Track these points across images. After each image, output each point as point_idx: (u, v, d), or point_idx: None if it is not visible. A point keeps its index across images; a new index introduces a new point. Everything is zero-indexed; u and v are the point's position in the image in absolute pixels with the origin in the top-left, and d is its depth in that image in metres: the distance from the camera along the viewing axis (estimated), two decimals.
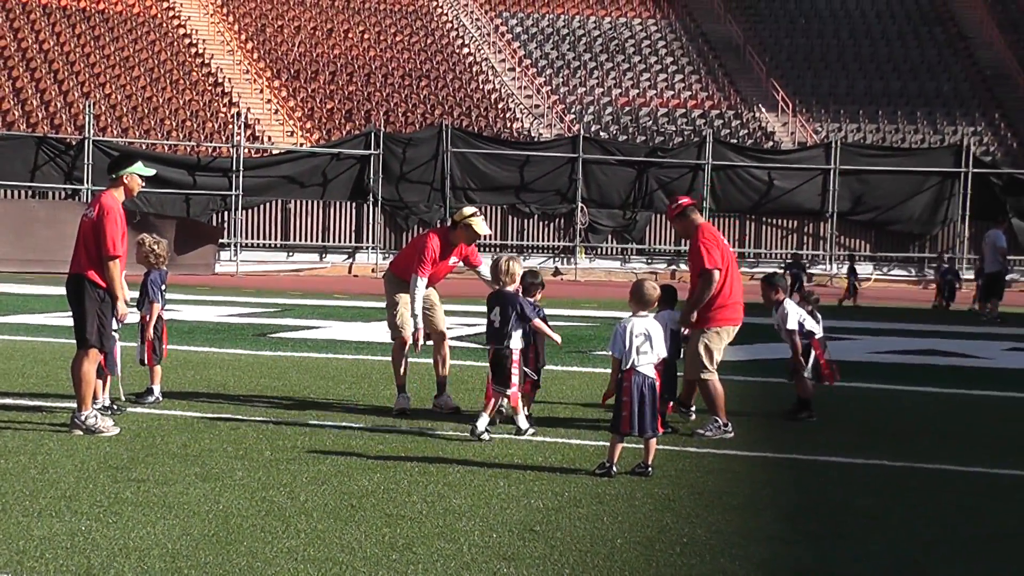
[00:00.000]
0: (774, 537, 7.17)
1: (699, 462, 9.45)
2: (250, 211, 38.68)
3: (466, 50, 53.33)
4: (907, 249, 43.02)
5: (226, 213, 38.08)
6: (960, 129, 50.84)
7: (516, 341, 10.25)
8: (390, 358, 15.38)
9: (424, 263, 11.36)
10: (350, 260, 39.71)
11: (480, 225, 11.53)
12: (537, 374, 10.97)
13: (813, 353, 11.96)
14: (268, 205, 39.11)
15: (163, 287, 11.76)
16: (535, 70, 52.97)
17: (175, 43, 48.93)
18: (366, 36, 52.50)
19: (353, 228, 39.66)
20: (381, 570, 6.32)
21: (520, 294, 10.52)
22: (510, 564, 6.48)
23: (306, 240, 39.34)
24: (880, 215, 42.67)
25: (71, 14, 48.19)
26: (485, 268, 11.90)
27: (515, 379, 10.22)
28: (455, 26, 55.03)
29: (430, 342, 11.55)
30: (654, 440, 8.86)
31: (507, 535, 7.06)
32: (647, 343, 8.71)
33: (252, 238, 38.78)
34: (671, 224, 11.47)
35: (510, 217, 40.94)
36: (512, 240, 40.90)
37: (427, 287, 11.53)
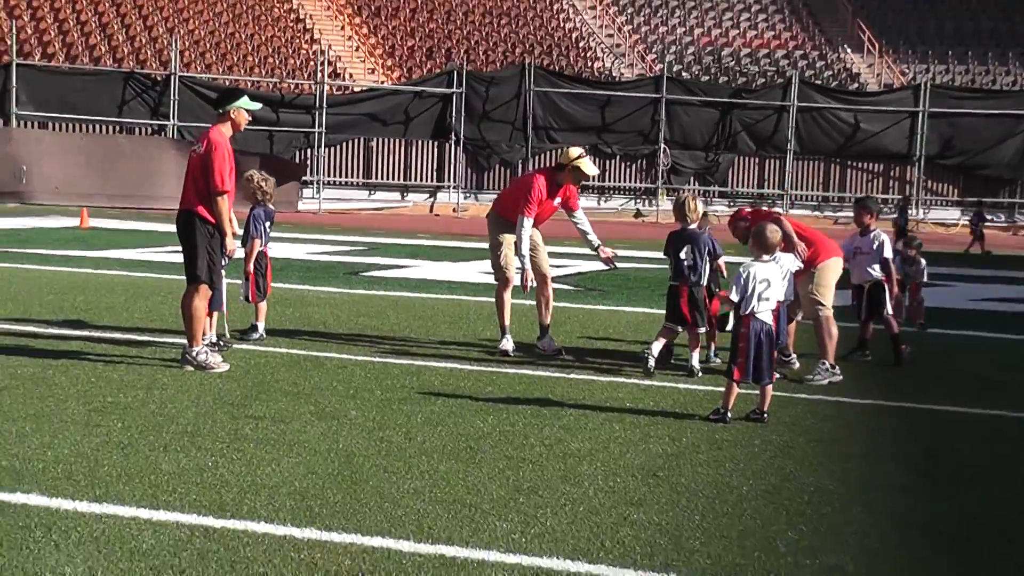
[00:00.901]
0: (901, 487, 7.06)
1: (812, 409, 9.34)
2: (332, 148, 38.76)
3: None
4: (997, 194, 42.25)
5: (308, 150, 38.17)
6: None
7: (704, 279, 10.46)
8: (484, 298, 15.53)
9: (531, 203, 11.28)
10: (431, 199, 39.72)
11: (588, 166, 11.44)
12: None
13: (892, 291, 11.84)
14: (350, 143, 39.16)
15: (267, 224, 11.77)
16: (616, 8, 52.42)
17: None
18: None
19: (434, 167, 39.62)
20: (510, 512, 6.29)
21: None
22: (638, 509, 6.43)
23: (388, 179, 39.37)
24: (969, 159, 41.91)
25: None
26: (581, 214, 11.81)
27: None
28: None
29: (534, 284, 11.47)
30: (770, 387, 8.75)
31: (630, 480, 7.01)
32: (768, 289, 8.58)
33: (334, 176, 38.88)
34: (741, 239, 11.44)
35: (592, 158, 40.65)
36: (594, 181, 40.61)
37: (532, 227, 11.45)
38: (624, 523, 6.18)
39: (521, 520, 6.18)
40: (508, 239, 11.54)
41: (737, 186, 41.73)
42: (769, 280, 8.61)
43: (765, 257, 8.75)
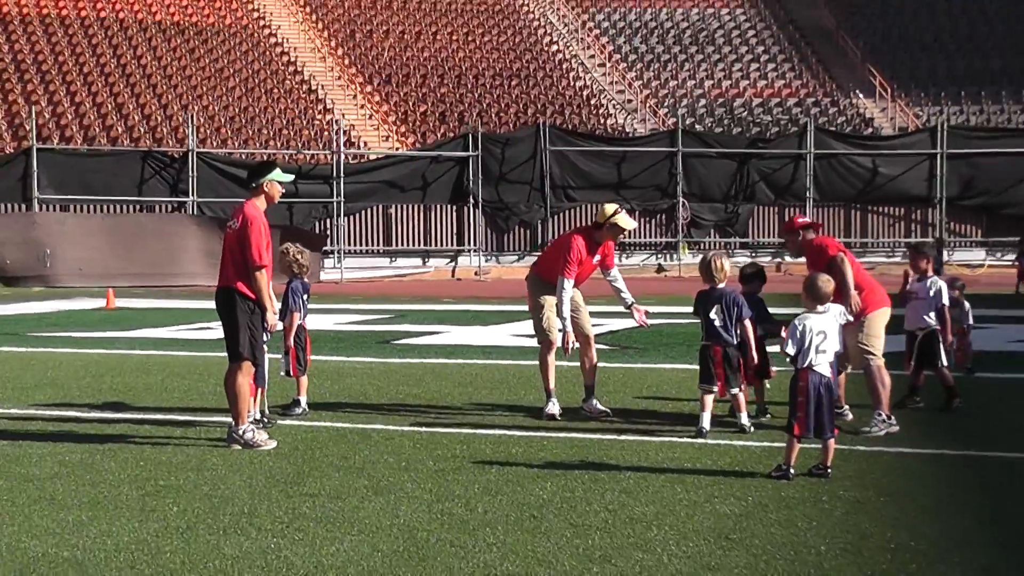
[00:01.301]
0: (982, 542, 6.86)
1: (874, 461, 9.15)
2: (352, 217, 38.78)
3: (555, 47, 53.15)
4: (1021, 233, 42.02)
5: (328, 220, 38.21)
6: None
7: (736, 339, 10.25)
8: (521, 361, 15.40)
9: (570, 264, 11.17)
10: (452, 263, 39.67)
11: (626, 220, 11.33)
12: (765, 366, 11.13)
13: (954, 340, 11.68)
14: (369, 211, 39.19)
15: (305, 296, 11.68)
16: (625, 65, 52.63)
17: (267, 52, 49.31)
18: (454, 38, 52.52)
19: (454, 231, 39.61)
20: None
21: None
22: (716, 574, 6.25)
23: (408, 245, 39.35)
24: (991, 199, 41.73)
25: (166, 28, 48.78)
26: (616, 272, 11.69)
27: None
28: (542, 24, 54.86)
29: (577, 345, 11.33)
30: (832, 440, 8.57)
31: (703, 543, 6.83)
32: (825, 341, 8.43)
33: (354, 244, 38.88)
34: (786, 242, 11.30)
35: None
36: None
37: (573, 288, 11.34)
38: None
39: None
40: (549, 301, 11.42)
41: (758, 236, 41.61)
42: (826, 332, 8.46)
43: (819, 308, 8.60)
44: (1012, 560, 6.51)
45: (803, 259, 11.02)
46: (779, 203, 41.50)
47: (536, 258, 12.61)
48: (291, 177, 10.88)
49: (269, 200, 10.20)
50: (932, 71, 52.74)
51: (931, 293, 11.57)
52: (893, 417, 10.36)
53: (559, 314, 11.25)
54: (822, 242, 10.72)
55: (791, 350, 8.43)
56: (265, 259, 9.89)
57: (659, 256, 40.68)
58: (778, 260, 41.27)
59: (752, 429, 10.28)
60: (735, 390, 10.32)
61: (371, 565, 6.47)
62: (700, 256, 11.37)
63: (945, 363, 11.51)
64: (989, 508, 7.72)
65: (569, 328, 11.15)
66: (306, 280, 11.73)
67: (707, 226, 41.02)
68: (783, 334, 8.62)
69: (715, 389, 10.27)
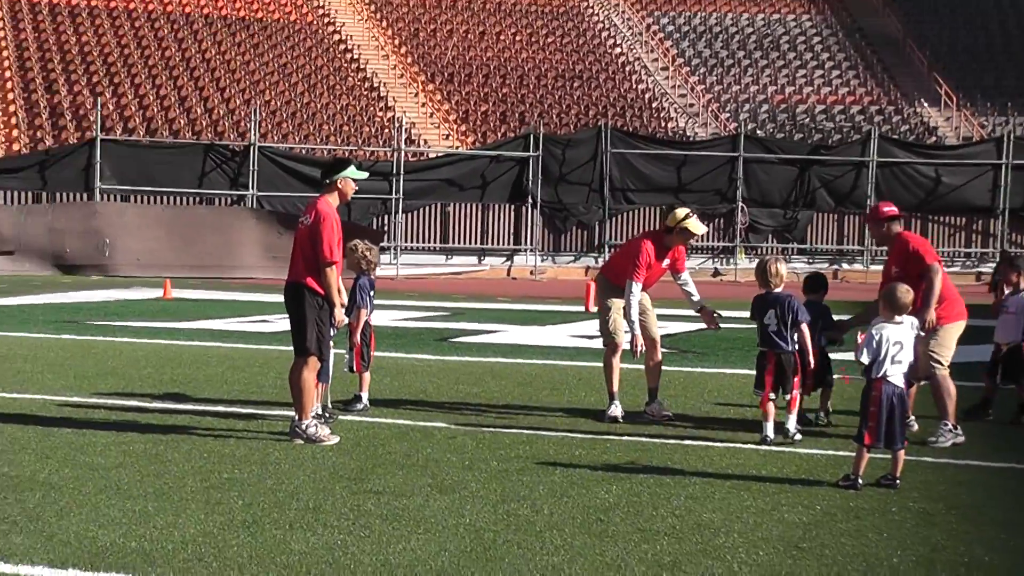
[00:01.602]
0: None
1: (942, 473, 9.02)
2: (410, 214, 38.87)
3: (618, 50, 53.02)
4: None
5: (386, 216, 38.31)
6: None
7: (793, 344, 10.09)
8: (580, 363, 15.35)
9: (639, 268, 11.13)
10: (508, 262, 39.66)
11: (696, 225, 11.24)
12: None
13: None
14: (427, 208, 39.26)
15: (372, 293, 11.68)
16: (688, 69, 52.41)
17: (331, 49, 49.53)
18: (518, 38, 52.51)
19: (511, 230, 39.59)
20: None
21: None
22: None
23: (464, 243, 39.38)
24: None
25: (231, 23, 49.13)
26: (687, 275, 11.64)
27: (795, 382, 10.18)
28: (606, 26, 54.74)
29: (644, 348, 11.27)
30: (902, 451, 8.46)
31: (772, 553, 6.75)
32: (901, 352, 8.32)
33: (411, 241, 38.97)
34: (869, 228, 11.12)
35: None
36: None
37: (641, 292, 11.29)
38: None
39: None
40: (617, 303, 11.37)
41: (816, 243, 41.30)
42: (902, 343, 8.34)
43: (897, 318, 8.48)
44: None
45: (884, 247, 10.93)
46: (839, 210, 41.17)
47: (605, 261, 12.54)
48: (366, 175, 10.91)
49: (343, 197, 10.22)
50: (998, 81, 52.12)
51: (1007, 309, 11.44)
52: (959, 428, 10.23)
53: (627, 317, 11.19)
54: (919, 247, 10.49)
55: (865, 359, 8.31)
56: (336, 255, 9.91)
57: (716, 260, 40.46)
58: (836, 268, 40.98)
59: (799, 437, 10.11)
60: (788, 396, 10.14)
61: (439, 565, 6.44)
62: (756, 261, 11.19)
63: None
64: None
65: (638, 331, 11.10)
66: (372, 277, 11.74)
67: (765, 231, 40.76)
68: (859, 339, 8.48)
69: (773, 396, 10.11)
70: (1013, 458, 9.69)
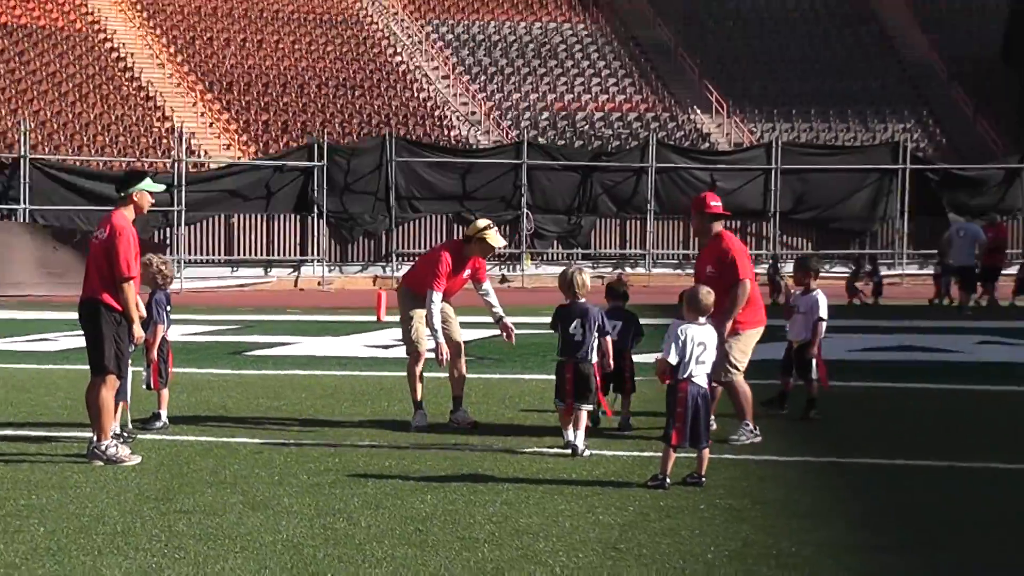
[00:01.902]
0: (864, 546, 7.03)
1: (745, 470, 9.31)
2: (193, 226, 38.02)
3: (398, 59, 53.00)
4: (848, 246, 43.36)
5: (168, 229, 37.38)
6: (890, 127, 51.53)
7: (595, 355, 10.06)
8: (380, 372, 15.31)
9: (439, 277, 11.16)
10: (295, 274, 39.17)
11: (495, 238, 11.33)
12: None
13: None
14: (211, 220, 38.46)
15: (168, 308, 11.41)
16: (468, 77, 52.77)
17: (102, 57, 48.07)
18: (297, 47, 51.96)
19: (298, 241, 39.13)
20: None
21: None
22: None
23: (250, 254, 38.74)
24: (821, 213, 42.96)
25: None
26: (488, 286, 11.70)
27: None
28: (386, 35, 54.65)
29: (448, 356, 11.30)
30: (707, 450, 8.70)
31: (592, 555, 6.86)
32: (705, 352, 8.55)
33: (195, 254, 38.14)
34: (692, 218, 11.25)
35: (455, 225, 40.61)
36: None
37: (442, 301, 11.31)
38: None
39: None
40: (419, 313, 11.38)
41: (600, 248, 42.10)
42: (705, 343, 8.58)
43: (700, 320, 8.70)
44: (889, 563, 6.68)
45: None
46: (621, 215, 42.05)
47: (407, 271, 12.48)
48: (162, 187, 10.66)
49: (138, 210, 9.96)
50: (765, 90, 54.08)
51: (811, 306, 11.87)
52: (757, 428, 10.56)
53: (429, 326, 11.20)
54: (737, 259, 10.56)
55: (674, 359, 8.49)
56: (134, 270, 9.66)
57: (503, 267, 40.82)
58: (619, 271, 41.80)
59: (586, 453, 9.82)
60: (588, 407, 10.01)
61: None
62: (561, 269, 11.16)
63: (817, 375, 11.80)
64: (858, 513, 7.93)
65: (441, 339, 11.11)
66: (168, 291, 11.46)
67: (551, 237, 41.32)
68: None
69: (567, 404, 9.98)
70: (808, 452, 10.07)
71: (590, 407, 10.08)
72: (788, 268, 40.81)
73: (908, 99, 54.09)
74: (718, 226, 11.00)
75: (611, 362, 10.33)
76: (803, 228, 43.63)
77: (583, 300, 10.17)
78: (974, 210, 34.06)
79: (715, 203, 11.00)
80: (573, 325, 10.08)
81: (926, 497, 8.37)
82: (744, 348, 10.62)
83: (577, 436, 9.91)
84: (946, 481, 8.95)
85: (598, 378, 10.17)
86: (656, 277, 41.14)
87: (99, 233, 9.85)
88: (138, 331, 9.84)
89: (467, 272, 11.47)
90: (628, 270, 41.63)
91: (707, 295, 8.76)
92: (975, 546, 7.08)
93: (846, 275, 39.49)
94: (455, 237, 39.68)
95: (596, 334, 10.08)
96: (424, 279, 11.32)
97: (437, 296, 11.16)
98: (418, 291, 11.40)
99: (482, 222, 11.48)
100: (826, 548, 6.97)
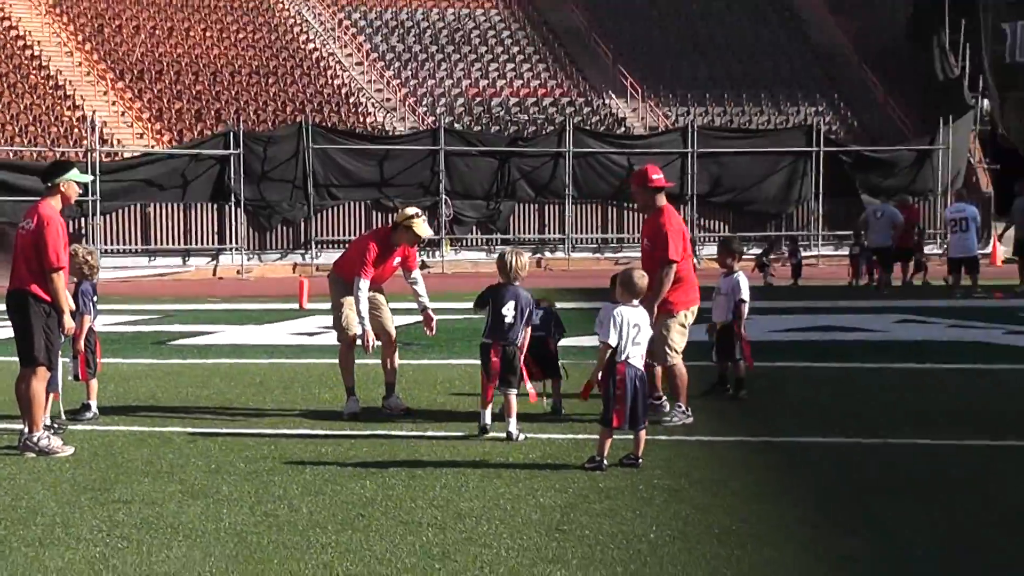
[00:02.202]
0: (804, 522, 7.18)
1: (679, 450, 9.44)
2: (108, 216, 37.51)
3: (311, 45, 52.61)
4: (764, 228, 43.87)
5: (83, 219, 36.85)
6: (803, 109, 52.13)
7: (520, 339, 10.05)
8: (307, 360, 15.27)
9: (365, 265, 11.14)
10: (213, 263, 38.79)
11: (422, 227, 11.30)
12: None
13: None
14: (127, 209, 37.96)
15: (95, 298, 11.30)
16: (383, 64, 52.54)
17: (8, 45, 47.14)
18: (208, 34, 51.36)
19: (216, 229, 38.77)
20: None
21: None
22: (558, 567, 6.36)
23: (168, 243, 38.32)
24: (737, 196, 43.44)
25: None
26: (418, 274, 11.65)
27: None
28: (298, 21, 54.20)
29: (378, 343, 11.30)
30: (644, 432, 8.80)
31: (536, 536, 6.93)
32: (640, 334, 8.64)
33: (112, 243, 37.63)
34: (632, 191, 11.18)
35: (374, 212, 40.48)
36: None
37: (372, 289, 11.31)
38: None
39: None
40: (349, 300, 11.37)
41: (519, 232, 42.17)
42: (639, 325, 8.67)
43: (634, 302, 8.79)
44: (827, 537, 6.83)
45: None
46: (539, 200, 42.18)
47: (337, 257, 12.41)
48: (90, 178, 10.59)
49: (66, 201, 9.86)
50: (678, 73, 54.43)
51: (718, 290, 12.04)
52: (689, 409, 10.66)
53: (356, 307, 11.18)
54: (670, 236, 10.46)
55: (613, 340, 8.56)
56: (63, 260, 9.56)
57: (422, 253, 40.74)
58: (539, 256, 41.97)
59: (521, 438, 9.81)
60: (513, 391, 9.96)
61: (207, 571, 6.33)
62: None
63: (739, 356, 11.96)
64: (794, 491, 8.08)
65: (368, 327, 11.11)
66: (95, 281, 11.34)
67: (470, 223, 41.33)
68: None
69: (509, 391, 9.94)
70: (741, 432, 10.23)
71: (514, 391, 9.97)
72: (706, 251, 41.26)
73: (819, 82, 54.75)
74: (662, 199, 10.84)
75: (523, 351, 10.16)
76: (720, 211, 44.06)
77: (517, 284, 10.19)
78: (887, 191, 34.60)
79: (657, 176, 10.88)
80: (506, 307, 10.06)
81: (857, 473, 8.56)
82: (681, 330, 10.67)
83: (510, 422, 9.89)
84: (873, 456, 9.14)
85: (523, 364, 10.12)
86: (575, 261, 41.35)
87: (26, 224, 9.73)
88: (68, 322, 9.75)
89: (397, 260, 11.46)
90: (548, 255, 41.85)
91: (640, 278, 8.85)
92: (905, 518, 7.26)
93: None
94: (380, 225, 39.69)
95: (524, 320, 10.07)
96: (352, 266, 11.31)
97: (364, 283, 11.14)
98: (347, 278, 11.38)
99: (410, 210, 11.46)
100: (765, 525, 7.12)
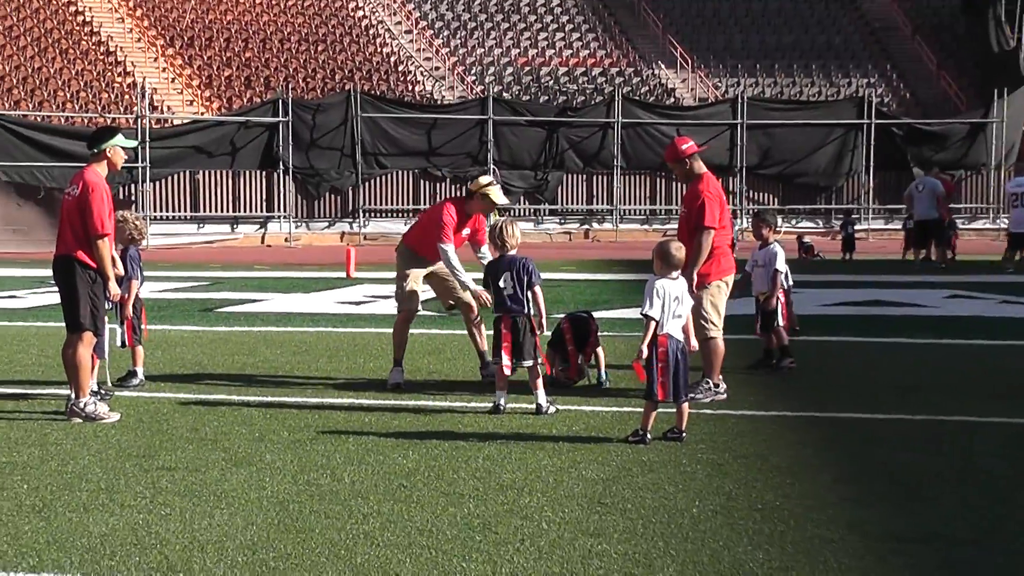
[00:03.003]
0: (846, 499, 7.09)
1: (723, 424, 9.36)
2: (158, 183, 37.78)
3: (360, 13, 52.62)
4: (814, 201, 43.60)
5: (133, 186, 37.13)
6: (854, 81, 51.65)
7: (528, 307, 9.94)
8: (352, 329, 15.30)
9: (445, 229, 11.05)
10: (262, 230, 39.03)
11: (497, 194, 11.11)
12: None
13: (782, 303, 12.05)
14: (176, 176, 38.22)
15: (140, 264, 11.37)
16: (432, 32, 52.48)
17: (60, 11, 47.46)
18: (258, 1, 51.48)
19: (263, 197, 38.96)
20: (472, 552, 6.12)
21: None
22: (599, 540, 6.32)
23: (217, 211, 38.55)
24: (787, 168, 43.18)
25: None
26: (487, 249, 11.37)
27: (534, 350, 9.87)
28: None
29: (489, 301, 11.17)
30: (687, 404, 8.75)
31: (577, 509, 6.90)
32: (680, 306, 8.58)
33: (161, 210, 37.91)
34: (671, 167, 11.01)
35: (422, 181, 40.55)
36: (425, 204, 40.57)
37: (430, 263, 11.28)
38: (591, 556, 6.06)
39: (485, 560, 6.01)
40: (416, 273, 11.35)
41: (567, 203, 42.11)
42: (680, 297, 8.60)
43: (674, 274, 8.72)
44: (873, 515, 6.76)
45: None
46: (587, 171, 42.10)
47: (407, 230, 12.17)
48: (135, 143, 10.57)
49: (112, 167, 9.91)
50: (729, 44, 54.07)
51: (755, 263, 11.93)
52: (722, 386, 10.52)
53: (454, 274, 11.10)
54: (707, 203, 10.28)
55: (655, 313, 8.49)
56: (108, 227, 9.61)
57: None
58: (586, 227, 41.93)
59: (551, 410, 9.69)
60: (528, 362, 9.79)
61: (249, 539, 6.34)
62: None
63: (782, 324, 11.87)
64: (839, 467, 7.99)
65: (472, 284, 11.05)
66: (139, 248, 11.41)
67: (517, 193, 41.32)
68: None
69: (509, 363, 9.79)
70: (785, 407, 10.14)
71: (529, 362, 9.80)
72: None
73: (872, 53, 54.21)
74: (700, 167, 10.61)
75: (543, 313, 9.98)
76: (769, 183, 43.82)
77: (513, 252, 10.05)
78: (938, 165, 34.23)
79: (686, 145, 10.67)
80: (503, 279, 9.89)
81: (902, 450, 8.46)
82: (715, 301, 10.51)
83: (537, 394, 9.75)
84: (920, 434, 9.04)
85: (535, 332, 9.91)
86: (624, 232, 41.26)
87: (71, 190, 9.78)
88: (114, 288, 9.79)
89: (467, 231, 11.36)
90: (595, 226, 41.75)
91: (677, 250, 8.75)
92: (952, 497, 7.17)
93: (812, 230, 39.81)
94: (429, 194, 39.69)
95: (525, 287, 9.83)
96: (426, 237, 11.21)
97: (450, 246, 11.01)
98: (417, 250, 11.32)
99: (485, 178, 11.28)
100: (808, 501, 7.04)
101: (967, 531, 6.49)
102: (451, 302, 11.55)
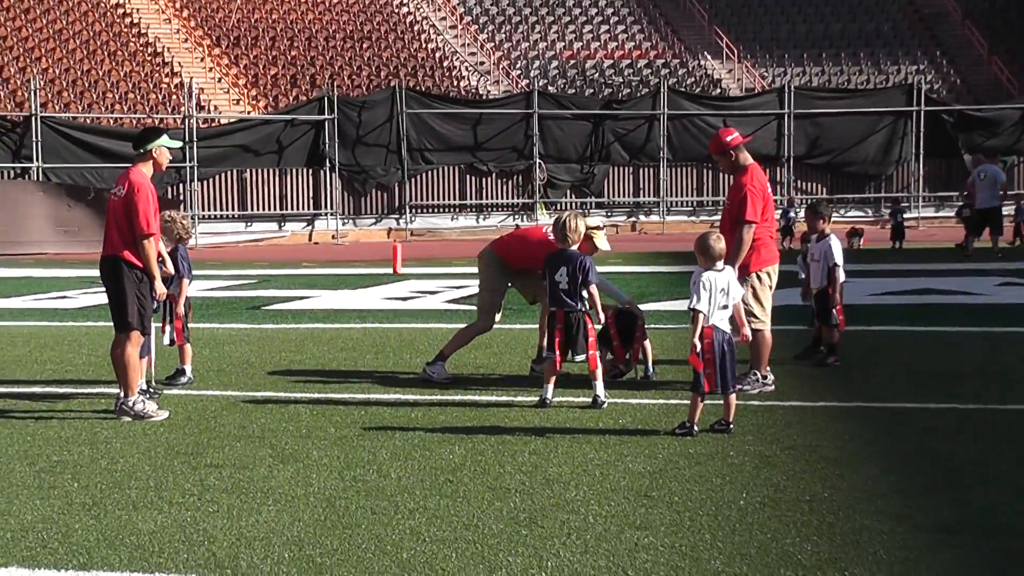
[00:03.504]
0: (894, 490, 7.02)
1: (771, 416, 9.30)
2: (205, 182, 38.03)
3: (404, 9, 52.74)
4: (863, 190, 43.26)
5: (181, 185, 37.40)
6: (903, 68, 51.20)
7: (582, 304, 9.89)
8: (400, 325, 15.32)
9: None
10: (309, 227, 39.22)
11: (602, 241, 10.82)
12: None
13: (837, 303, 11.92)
14: (223, 175, 38.47)
15: (188, 263, 11.44)
16: (476, 27, 52.50)
17: (108, 13, 47.90)
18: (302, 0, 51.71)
19: (310, 195, 39.14)
20: (517, 546, 6.10)
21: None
22: (645, 533, 6.29)
23: (264, 209, 38.76)
24: (835, 157, 42.87)
25: None
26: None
27: (588, 343, 9.80)
28: None
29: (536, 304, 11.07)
30: (734, 396, 8.70)
31: (624, 502, 6.87)
32: (727, 298, 8.53)
33: (209, 209, 38.17)
34: (717, 160, 10.87)
35: (468, 176, 40.58)
36: (471, 199, 40.62)
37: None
38: (638, 549, 6.04)
39: (531, 554, 5.99)
40: (500, 289, 11.32)
41: (613, 196, 42.02)
42: (726, 288, 8.55)
43: (718, 266, 8.67)
44: (922, 506, 6.68)
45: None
46: (634, 163, 41.97)
47: (502, 237, 12.00)
48: (180, 143, 10.63)
49: (157, 167, 9.97)
50: (775, 34, 53.77)
51: (809, 256, 11.83)
52: (769, 377, 10.45)
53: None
54: (750, 197, 10.20)
55: (702, 306, 8.45)
56: (154, 227, 9.66)
57: (516, 217, 40.78)
58: (633, 220, 41.81)
59: (606, 403, 9.70)
60: (580, 357, 9.77)
61: (295, 535, 6.36)
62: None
63: (836, 321, 11.73)
64: (888, 457, 7.91)
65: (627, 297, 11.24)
66: (185, 246, 11.49)
67: (563, 187, 41.28)
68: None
69: (555, 356, 9.76)
70: (832, 397, 10.05)
71: (581, 357, 9.78)
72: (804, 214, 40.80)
73: (921, 40, 53.71)
74: (746, 158, 10.47)
75: (599, 312, 9.99)
76: (817, 173, 43.54)
77: (574, 247, 10.01)
78: (990, 151, 33.79)
79: (731, 136, 10.54)
80: (559, 273, 9.84)
81: (953, 440, 8.37)
82: (757, 292, 10.40)
83: (596, 386, 9.77)
84: (971, 424, 8.93)
85: (589, 327, 9.86)
86: (671, 224, 41.12)
87: (117, 190, 9.84)
88: (160, 287, 9.85)
89: None
90: (642, 219, 41.63)
91: (716, 240, 8.69)
92: (1003, 487, 7.08)
93: (861, 219, 39.50)
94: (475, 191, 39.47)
95: (580, 283, 9.77)
96: (524, 256, 11.10)
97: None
98: (511, 263, 11.25)
99: (593, 221, 11.04)
100: (857, 493, 6.98)
101: (1018, 522, 6.40)
102: (534, 297, 11.45)
